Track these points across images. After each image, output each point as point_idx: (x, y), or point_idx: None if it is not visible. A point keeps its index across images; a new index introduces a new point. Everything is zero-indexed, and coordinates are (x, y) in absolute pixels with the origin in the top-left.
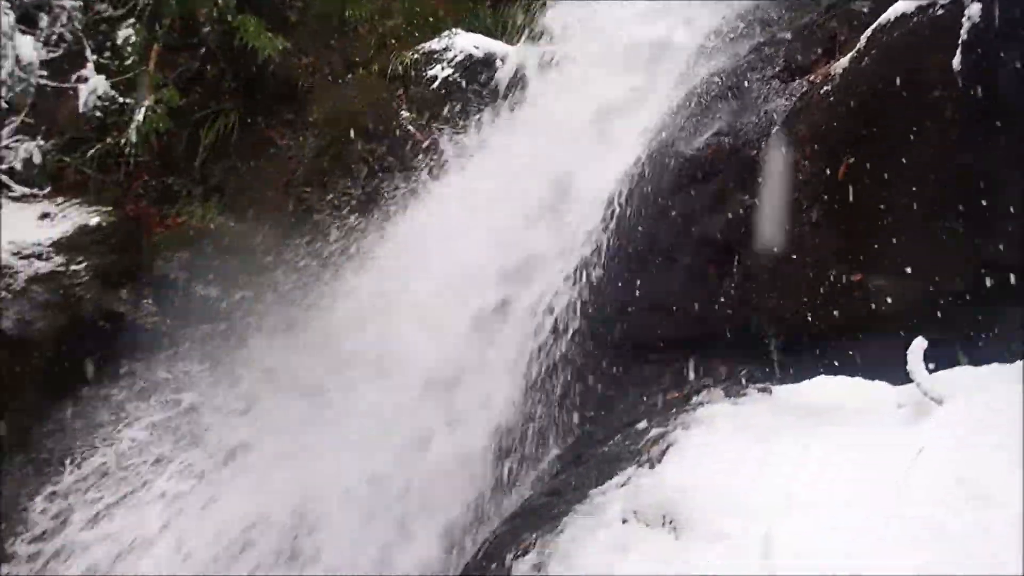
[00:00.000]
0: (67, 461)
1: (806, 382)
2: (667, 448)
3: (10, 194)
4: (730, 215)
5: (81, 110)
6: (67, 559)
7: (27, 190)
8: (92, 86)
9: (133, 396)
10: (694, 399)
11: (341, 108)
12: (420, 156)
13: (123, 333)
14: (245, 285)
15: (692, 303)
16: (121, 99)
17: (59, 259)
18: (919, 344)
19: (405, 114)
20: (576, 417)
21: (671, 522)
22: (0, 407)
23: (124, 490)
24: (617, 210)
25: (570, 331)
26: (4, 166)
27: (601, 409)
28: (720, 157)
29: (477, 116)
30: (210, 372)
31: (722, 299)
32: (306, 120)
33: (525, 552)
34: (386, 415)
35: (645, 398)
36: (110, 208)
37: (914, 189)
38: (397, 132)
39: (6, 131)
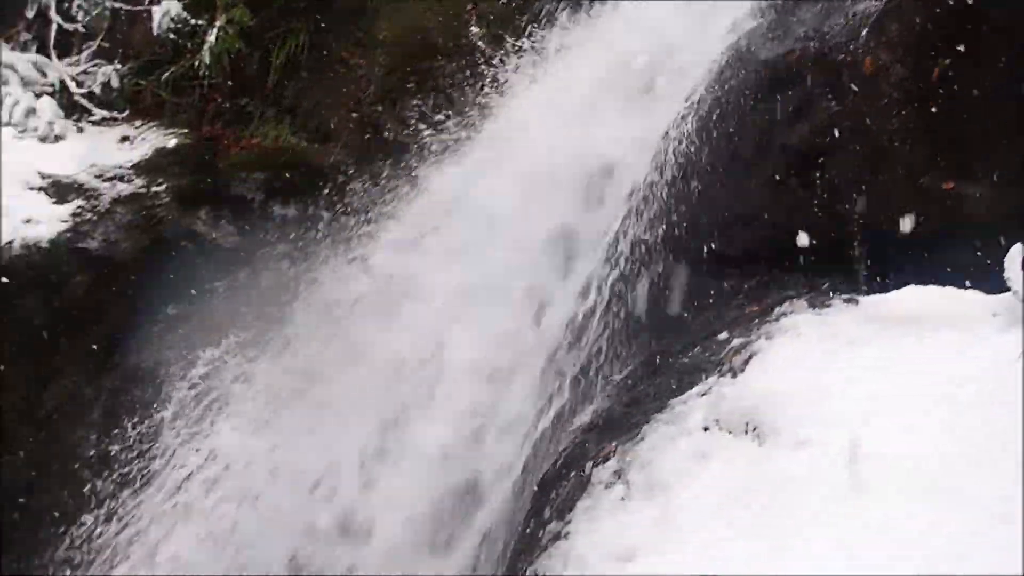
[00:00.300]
0: (157, 378)
1: (894, 292)
2: (750, 357)
3: (91, 118)
4: (815, 123)
5: (155, 33)
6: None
7: (106, 113)
8: (164, 8)
9: (215, 314)
10: (776, 310)
11: (411, 26)
12: (492, 69)
13: (203, 253)
14: (321, 204)
15: (773, 214)
16: (193, 20)
17: (140, 181)
18: (1017, 250)
19: (475, 30)
20: (653, 330)
21: (754, 429)
22: (88, 327)
23: (207, 409)
24: (696, 118)
25: (646, 243)
26: (84, 90)
27: (679, 322)
28: (804, 63)
29: (551, 25)
30: (290, 287)
31: (805, 210)
32: (376, 39)
33: (605, 460)
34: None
35: (725, 311)
36: (186, 130)
37: (1011, 95)
38: (468, 48)
39: (84, 55)
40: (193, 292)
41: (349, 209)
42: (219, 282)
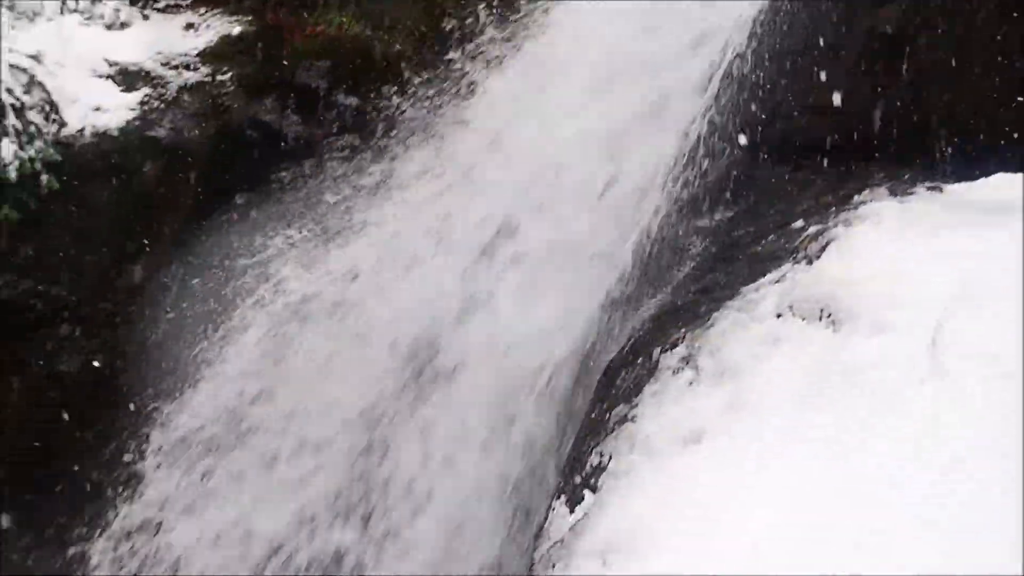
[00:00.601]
0: (226, 262)
1: (982, 180)
2: (827, 244)
3: (155, 5)
4: (902, 5)
5: None
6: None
7: (171, 1)
8: None
9: (282, 200)
10: (855, 198)
11: None
12: None
13: (269, 142)
14: (384, 93)
15: (855, 104)
16: None
17: (205, 69)
18: None
19: None
20: (724, 222)
21: (829, 316)
22: (159, 215)
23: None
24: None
25: (719, 134)
26: None
27: (750, 213)
28: None
29: None
30: (354, 174)
31: (889, 98)
32: None
33: (674, 346)
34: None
35: (800, 201)
36: (250, 17)
37: None
38: None
39: None
40: (259, 180)
41: (414, 99)
42: (284, 171)
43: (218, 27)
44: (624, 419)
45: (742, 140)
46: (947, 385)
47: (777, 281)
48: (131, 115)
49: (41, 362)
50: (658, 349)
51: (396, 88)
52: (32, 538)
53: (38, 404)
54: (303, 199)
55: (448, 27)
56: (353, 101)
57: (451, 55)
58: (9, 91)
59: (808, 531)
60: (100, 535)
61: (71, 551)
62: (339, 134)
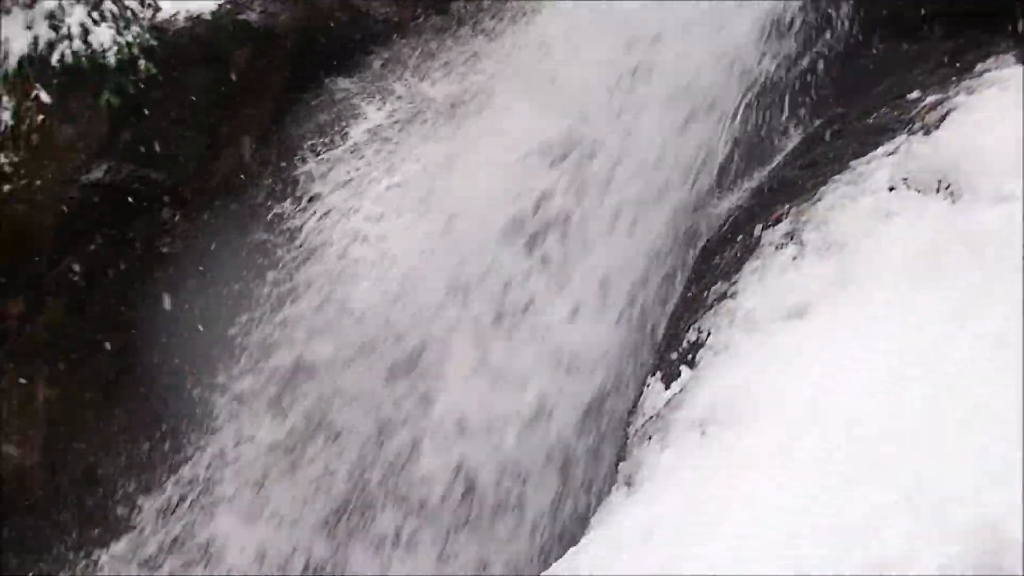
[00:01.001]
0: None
1: None
2: (946, 113)
3: None
4: None
5: None
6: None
7: None
8: None
9: (368, 83)
10: (979, 66)
11: None
12: None
13: (358, 25)
14: None
15: None
16: None
17: None
18: None
19: None
20: (831, 97)
21: (947, 187)
22: (252, 99)
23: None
24: None
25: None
26: None
27: (859, 89)
28: None
29: None
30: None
31: None
32: None
33: (777, 221)
34: None
35: (916, 73)
36: None
37: None
38: None
39: None
40: (348, 63)
41: None
42: (372, 54)
43: None
44: (723, 296)
45: (848, 11)
46: None
47: (890, 153)
48: None
49: (142, 244)
50: (760, 225)
51: None
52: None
53: (142, 282)
54: (391, 81)
55: None
56: None
57: None
58: None
59: (922, 402)
60: None
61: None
62: (426, 15)
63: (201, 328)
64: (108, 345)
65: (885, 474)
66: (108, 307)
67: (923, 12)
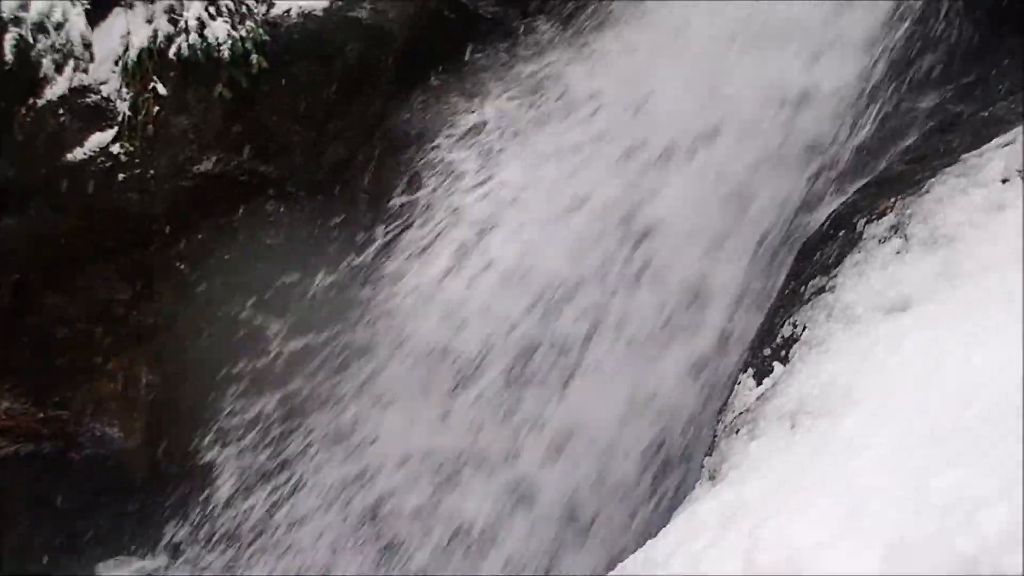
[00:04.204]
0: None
1: None
2: None
3: None
4: None
5: None
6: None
7: None
8: None
9: (478, 83)
10: None
11: None
12: None
13: (466, 23)
14: None
15: None
16: None
17: None
18: None
19: None
20: (947, 96)
21: None
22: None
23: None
24: None
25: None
26: None
27: (977, 85)
28: None
29: None
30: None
31: None
32: None
33: (881, 215)
34: None
35: None
36: None
37: None
38: None
39: None
40: (455, 61)
41: None
42: (479, 53)
43: None
44: (821, 290)
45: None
46: None
47: (1005, 145)
48: None
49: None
50: (863, 219)
51: None
52: None
53: (245, 273)
54: (497, 79)
55: None
56: None
57: None
58: None
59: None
60: None
61: None
62: (534, 15)
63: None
64: (210, 332)
65: (987, 460)
66: (212, 295)
67: None
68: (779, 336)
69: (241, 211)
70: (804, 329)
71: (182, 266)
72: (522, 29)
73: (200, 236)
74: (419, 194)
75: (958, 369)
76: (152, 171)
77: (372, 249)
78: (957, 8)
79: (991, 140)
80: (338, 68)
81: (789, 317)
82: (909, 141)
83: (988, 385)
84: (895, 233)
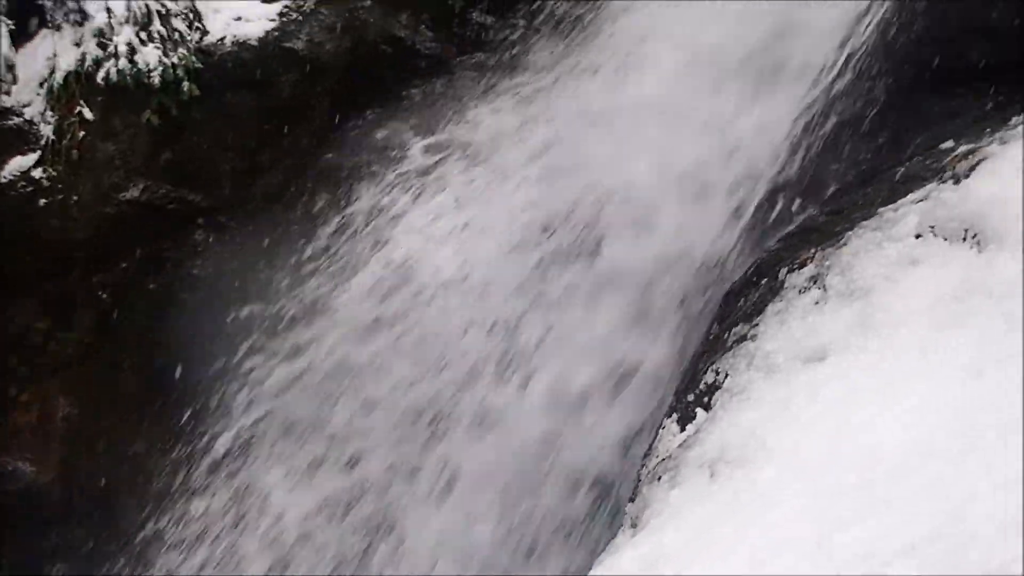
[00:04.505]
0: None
1: None
2: (978, 163)
3: None
4: None
5: None
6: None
7: None
8: None
9: (413, 118)
10: (1015, 119)
11: None
12: None
13: (402, 58)
14: (520, 14)
15: (1019, 21)
16: None
17: None
18: None
19: None
20: (865, 152)
21: (974, 236)
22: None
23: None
24: None
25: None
26: None
27: (894, 142)
28: None
29: None
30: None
31: None
32: None
33: (802, 266)
34: None
35: (950, 127)
36: None
37: None
38: None
39: None
40: (392, 96)
41: (551, 20)
42: (415, 88)
43: None
44: (743, 338)
45: (891, 63)
46: None
47: (919, 201)
48: (270, 26)
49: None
50: (785, 268)
51: (533, 6)
52: None
53: (170, 304)
54: (432, 116)
55: None
56: (488, 20)
57: None
58: None
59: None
60: None
61: None
62: (472, 52)
63: (226, 352)
64: (132, 364)
65: (904, 511)
66: (135, 326)
67: (961, 68)
68: (702, 382)
69: (168, 240)
70: (726, 376)
71: (104, 295)
72: (460, 66)
73: (124, 265)
74: (350, 228)
75: (870, 423)
76: (75, 197)
77: (301, 280)
78: (876, 63)
79: (906, 196)
80: (272, 98)
81: (712, 363)
82: (830, 190)
83: (897, 440)
84: (814, 284)
